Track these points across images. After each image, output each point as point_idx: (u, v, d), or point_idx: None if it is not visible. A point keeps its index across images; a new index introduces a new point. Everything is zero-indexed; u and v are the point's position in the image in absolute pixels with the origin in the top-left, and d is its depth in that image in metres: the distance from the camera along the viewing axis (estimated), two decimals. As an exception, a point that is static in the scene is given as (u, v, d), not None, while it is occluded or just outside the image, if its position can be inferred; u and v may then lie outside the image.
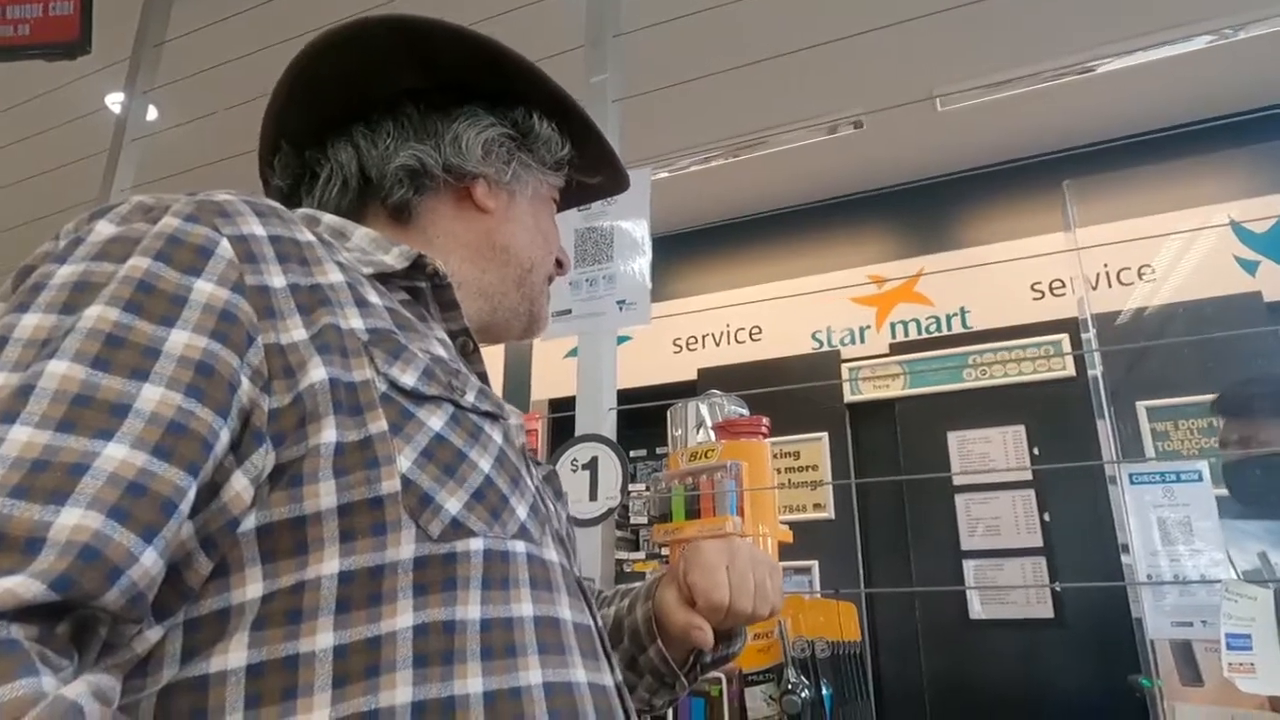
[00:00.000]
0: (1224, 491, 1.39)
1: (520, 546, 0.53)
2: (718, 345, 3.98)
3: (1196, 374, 2.86)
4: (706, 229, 3.91)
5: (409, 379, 0.52)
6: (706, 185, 3.72)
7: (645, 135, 3.22)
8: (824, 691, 1.21)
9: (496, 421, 0.58)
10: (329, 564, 0.45)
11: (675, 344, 4.05)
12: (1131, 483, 1.17)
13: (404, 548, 0.47)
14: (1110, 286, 3.28)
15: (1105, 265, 3.28)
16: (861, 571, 3.34)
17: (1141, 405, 2.97)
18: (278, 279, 0.50)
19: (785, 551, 2.61)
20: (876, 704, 3.18)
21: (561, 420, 1.54)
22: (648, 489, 3.22)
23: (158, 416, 0.42)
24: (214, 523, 0.44)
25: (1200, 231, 3.03)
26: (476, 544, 0.50)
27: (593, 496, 1.40)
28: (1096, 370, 1.95)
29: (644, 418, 1.71)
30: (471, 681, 0.46)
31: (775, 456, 3.49)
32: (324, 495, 0.46)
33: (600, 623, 0.60)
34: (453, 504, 0.50)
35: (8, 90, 2.69)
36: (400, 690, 0.44)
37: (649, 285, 1.54)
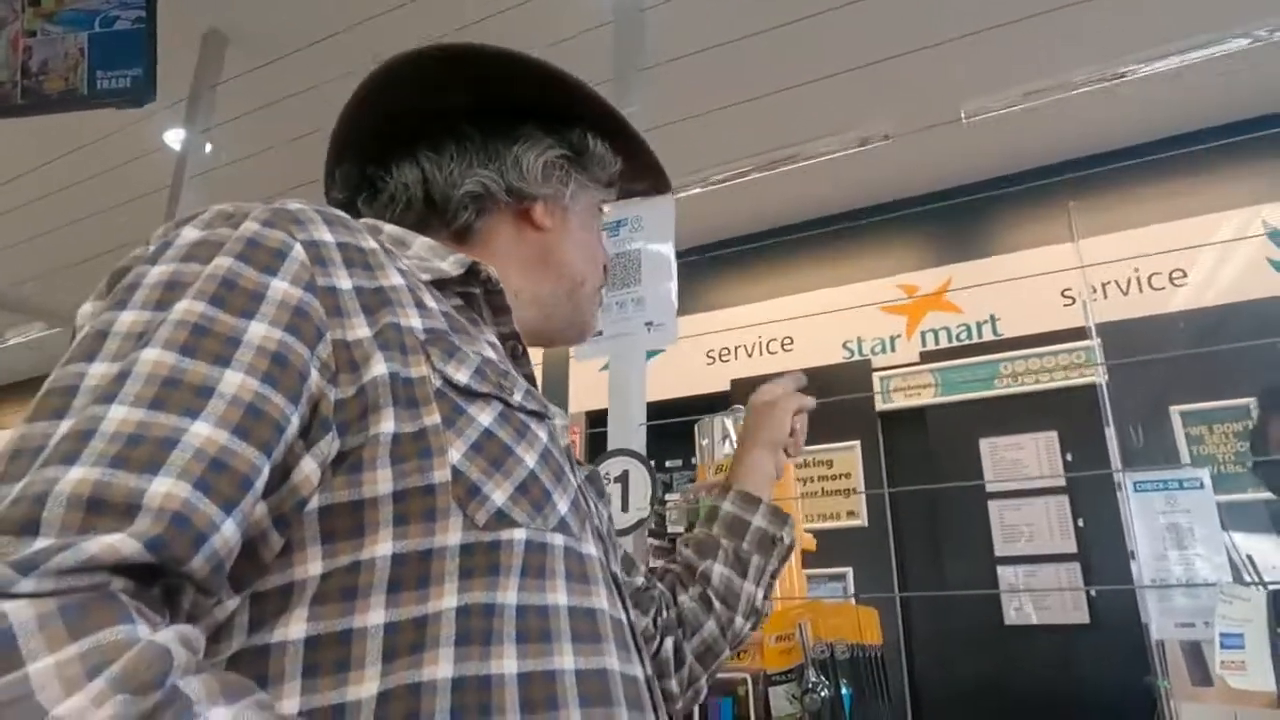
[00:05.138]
0: (1225, 498, 1.43)
1: (559, 539, 0.55)
2: (750, 356, 4.04)
3: (1231, 378, 2.86)
4: (738, 242, 3.97)
5: (462, 376, 0.55)
6: (737, 198, 3.79)
7: (674, 154, 3.28)
8: (843, 691, 1.28)
9: (543, 420, 0.61)
10: (383, 546, 0.48)
11: (708, 355, 4.11)
12: (1135, 490, 1.22)
13: (451, 534, 0.50)
14: (1141, 292, 3.28)
15: (1136, 270, 3.28)
16: (895, 578, 3.37)
17: (1175, 410, 2.97)
18: (345, 281, 0.54)
19: (820, 558, 2.67)
20: (913, 708, 3.21)
21: (599, 434, 1.64)
22: (683, 499, 3.29)
23: (238, 399, 0.45)
24: (286, 503, 0.48)
25: (1231, 235, 3.03)
26: (519, 534, 0.52)
27: (625, 508, 1.48)
28: (1101, 380, 1.98)
29: (678, 429, 1.80)
30: (507, 663, 0.48)
31: (808, 465, 3.57)
32: (381, 481, 0.49)
33: (632, 617, 0.63)
34: (498, 495, 0.53)
35: (72, 132, 2.83)
36: (442, 666, 0.47)
37: (675, 305, 1.62)
